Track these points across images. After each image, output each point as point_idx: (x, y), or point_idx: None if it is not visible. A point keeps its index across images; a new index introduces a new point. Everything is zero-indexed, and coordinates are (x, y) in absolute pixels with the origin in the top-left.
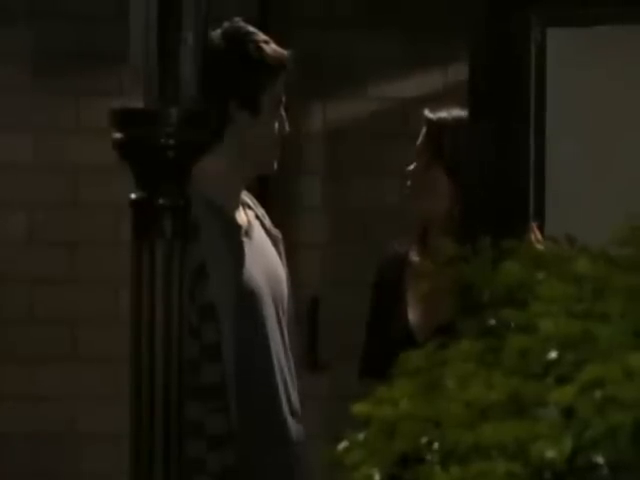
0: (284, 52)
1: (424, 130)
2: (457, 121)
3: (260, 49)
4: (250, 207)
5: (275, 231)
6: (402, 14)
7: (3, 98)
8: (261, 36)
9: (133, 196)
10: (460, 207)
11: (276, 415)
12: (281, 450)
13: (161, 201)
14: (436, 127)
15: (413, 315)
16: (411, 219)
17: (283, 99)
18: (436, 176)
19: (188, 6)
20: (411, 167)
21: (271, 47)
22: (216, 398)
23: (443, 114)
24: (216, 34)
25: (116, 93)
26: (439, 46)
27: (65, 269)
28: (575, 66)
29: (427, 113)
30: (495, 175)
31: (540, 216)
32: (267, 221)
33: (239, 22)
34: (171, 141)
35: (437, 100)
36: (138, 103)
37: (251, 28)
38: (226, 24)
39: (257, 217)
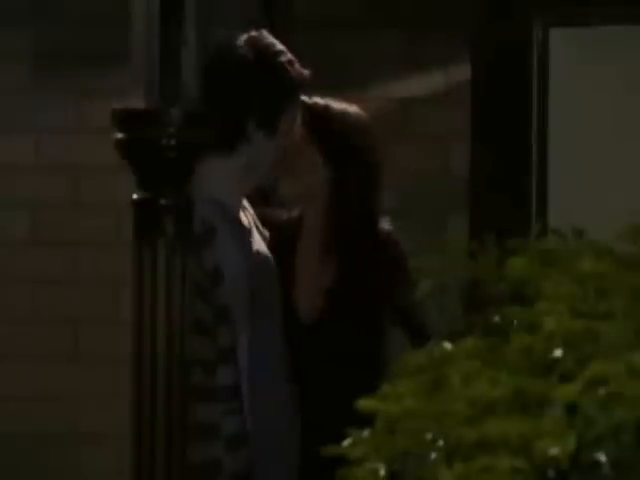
0: (305, 73)
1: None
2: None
3: (287, 72)
4: (246, 208)
5: (265, 231)
6: (403, 14)
7: (4, 98)
8: (287, 55)
9: (135, 196)
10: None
11: (283, 413)
12: (288, 450)
13: (163, 201)
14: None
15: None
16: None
17: (298, 118)
18: (314, 159)
19: (190, 7)
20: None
21: (295, 69)
22: (230, 400)
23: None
24: (242, 46)
25: (117, 93)
26: (440, 46)
27: (67, 269)
28: (577, 66)
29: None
30: (498, 175)
31: (542, 215)
32: (258, 221)
33: (265, 35)
34: (172, 141)
35: (438, 100)
36: (139, 103)
37: (279, 45)
38: (252, 34)
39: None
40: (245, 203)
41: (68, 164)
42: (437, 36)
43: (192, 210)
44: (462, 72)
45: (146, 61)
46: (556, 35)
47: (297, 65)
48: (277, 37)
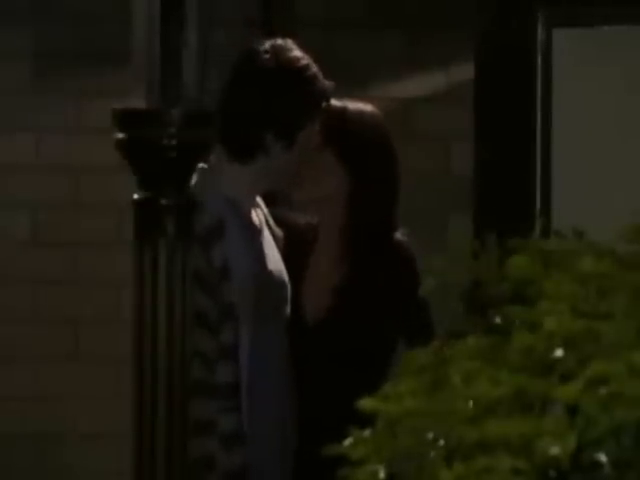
0: (329, 86)
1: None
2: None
3: (310, 87)
4: (259, 206)
5: (277, 230)
6: (404, 13)
7: (4, 98)
8: (312, 69)
9: (135, 196)
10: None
11: (282, 416)
12: (284, 452)
13: (163, 201)
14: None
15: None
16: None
17: (317, 130)
18: (329, 161)
19: (191, 7)
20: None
21: (319, 82)
22: (229, 397)
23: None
24: (266, 57)
25: (118, 93)
26: (442, 46)
27: (67, 269)
28: (581, 66)
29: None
30: (501, 175)
31: (545, 215)
32: (271, 220)
33: (291, 46)
34: (173, 141)
35: (440, 100)
36: (140, 103)
37: (304, 59)
38: (277, 43)
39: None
40: (259, 200)
41: (68, 164)
42: (439, 36)
43: (194, 210)
44: (464, 72)
45: (147, 61)
46: (559, 35)
47: (321, 79)
48: (279, 36)
